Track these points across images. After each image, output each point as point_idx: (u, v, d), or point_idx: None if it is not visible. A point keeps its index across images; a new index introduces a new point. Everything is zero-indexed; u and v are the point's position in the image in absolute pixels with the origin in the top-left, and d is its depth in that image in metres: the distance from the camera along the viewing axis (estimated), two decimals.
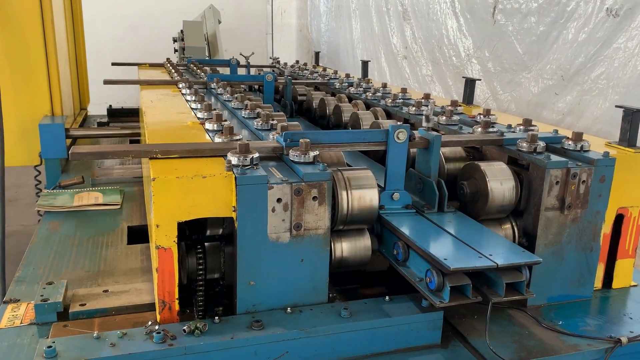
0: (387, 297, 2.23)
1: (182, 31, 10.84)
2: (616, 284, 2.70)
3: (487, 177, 2.42)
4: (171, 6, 13.33)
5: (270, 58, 7.11)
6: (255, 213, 2.02)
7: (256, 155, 2.13)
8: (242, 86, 6.10)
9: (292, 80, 4.84)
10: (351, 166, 3.10)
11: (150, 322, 2.00)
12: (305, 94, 4.86)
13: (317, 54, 7.53)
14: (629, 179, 2.54)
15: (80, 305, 2.31)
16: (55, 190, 3.96)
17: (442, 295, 2.00)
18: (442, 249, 2.10)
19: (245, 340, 1.93)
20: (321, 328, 2.02)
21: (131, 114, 6.40)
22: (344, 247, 2.30)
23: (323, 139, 2.36)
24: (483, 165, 2.47)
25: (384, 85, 4.54)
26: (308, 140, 2.22)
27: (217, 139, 2.44)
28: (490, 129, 2.83)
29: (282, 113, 3.61)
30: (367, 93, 4.19)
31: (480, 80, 4.77)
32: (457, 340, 2.22)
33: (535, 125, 2.95)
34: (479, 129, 2.84)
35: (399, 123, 2.36)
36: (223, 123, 2.73)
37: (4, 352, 2.01)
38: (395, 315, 2.12)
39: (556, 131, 2.79)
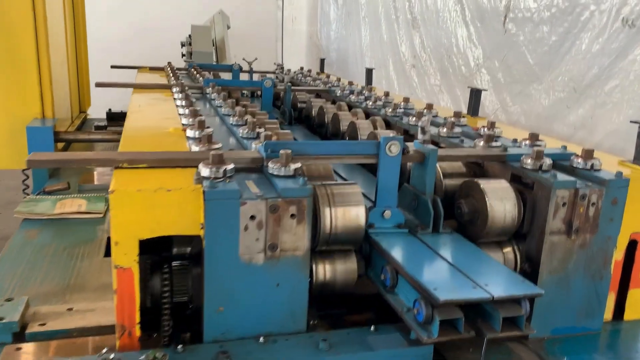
0: (372, 327, 2.02)
1: (190, 36, 10.75)
2: (628, 315, 2.46)
3: (486, 196, 2.21)
4: (182, 11, 13.26)
5: (275, 64, 6.95)
6: (225, 231, 1.83)
7: (230, 167, 1.94)
8: (245, 92, 5.96)
9: (292, 87, 4.65)
10: (346, 179, 2.92)
11: (105, 350, 1.80)
12: (305, 101, 4.67)
13: (322, 61, 7.36)
14: None
15: (39, 325, 2.13)
16: (38, 196, 3.80)
17: (431, 329, 1.79)
18: (433, 276, 1.89)
19: None
20: None
21: None
22: (327, 270, 2.10)
23: (308, 150, 2.16)
24: (482, 183, 2.26)
25: (387, 94, 4.34)
26: (289, 151, 2.02)
27: (194, 148, 2.25)
28: (493, 144, 2.62)
29: (275, 120, 3.42)
30: (368, 102, 4.00)
31: (486, 90, 4.58)
32: None
33: (542, 141, 2.73)
34: (481, 143, 2.63)
35: (393, 134, 2.17)
36: (205, 130, 2.55)
37: None
38: (380, 349, 1.91)
39: (564, 147, 2.58)
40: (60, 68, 5.19)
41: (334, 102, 4.59)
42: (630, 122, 2.64)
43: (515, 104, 5.98)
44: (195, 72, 5.63)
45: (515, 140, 2.83)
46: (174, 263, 1.98)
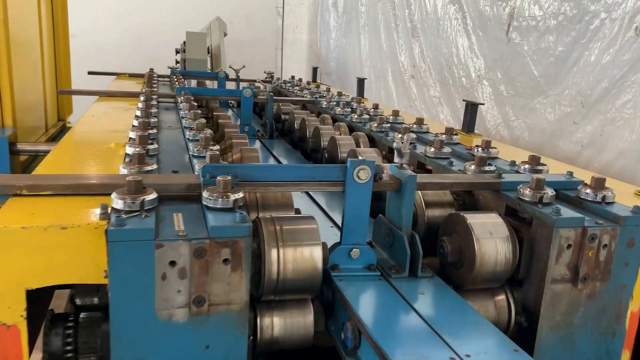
0: None
1: (184, 42, 10.42)
2: None
3: (473, 234, 1.81)
4: (180, 17, 12.94)
5: (265, 72, 6.59)
6: (136, 281, 1.44)
7: (151, 197, 1.56)
8: (232, 102, 5.58)
9: (275, 98, 4.28)
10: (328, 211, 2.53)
11: None
12: (288, 113, 4.29)
13: (314, 70, 7.00)
14: None
15: None
16: None
17: None
18: (400, 341, 1.50)
19: None
20: None
21: None
22: (276, 325, 1.71)
23: (257, 175, 1.78)
24: (469, 218, 1.86)
25: (376, 107, 3.96)
26: (229, 178, 1.63)
27: (123, 170, 1.87)
28: (486, 168, 2.23)
29: (243, 135, 3.04)
30: (353, 115, 3.61)
31: (483, 104, 4.18)
32: None
33: (545, 165, 2.34)
34: (472, 167, 2.24)
35: (375, 153, 1.77)
36: (147, 147, 2.17)
37: None
38: None
39: (570, 174, 2.18)
40: (29, 73, 4.84)
41: (319, 115, 4.21)
42: None
43: (519, 119, 5.57)
44: (175, 80, 5.27)
45: (513, 163, 2.44)
46: (82, 315, 1.59)
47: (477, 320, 1.63)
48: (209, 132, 2.58)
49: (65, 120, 6.51)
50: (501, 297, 1.91)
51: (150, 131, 2.53)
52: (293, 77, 6.17)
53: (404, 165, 1.97)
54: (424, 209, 2.13)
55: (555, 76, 4.97)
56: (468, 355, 1.42)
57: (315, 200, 2.68)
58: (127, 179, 1.55)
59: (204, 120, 2.86)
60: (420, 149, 2.70)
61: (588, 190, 1.97)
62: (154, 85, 4.57)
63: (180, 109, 3.52)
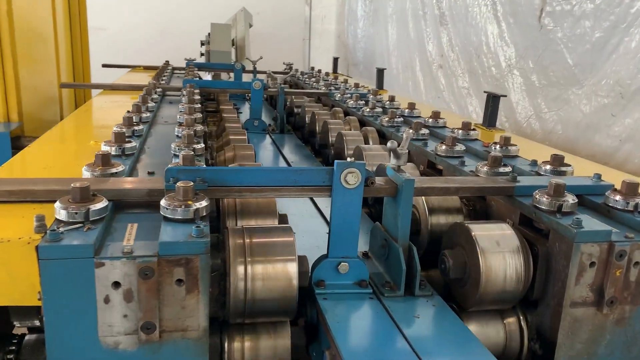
0: None
1: (209, 34, 10.30)
2: None
3: (478, 247, 1.56)
4: (208, 9, 12.83)
5: (284, 63, 6.37)
6: (73, 304, 1.25)
7: (99, 206, 1.36)
8: (249, 95, 5.38)
9: (286, 90, 4.06)
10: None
11: None
12: (300, 106, 4.08)
13: (335, 60, 6.76)
14: None
15: None
16: None
17: None
18: None
19: None
20: None
21: None
22: (247, 351, 1.50)
23: (229, 179, 1.56)
24: (474, 229, 1.61)
25: (392, 99, 3.70)
26: (190, 184, 1.43)
27: (85, 172, 1.68)
28: (501, 169, 1.96)
29: (242, 131, 2.84)
30: (365, 108, 3.36)
31: (505, 96, 3.85)
32: None
33: (569, 166, 2.05)
34: (485, 168, 1.97)
35: (352, 161, 1.52)
36: (124, 146, 1.99)
37: None
38: None
39: (598, 176, 1.89)
40: (41, 67, 4.75)
41: (333, 108, 3.98)
42: None
43: (551, 111, 5.21)
44: (189, 72, 5.11)
45: (534, 163, 2.16)
46: (26, 337, 1.41)
47: (478, 353, 1.38)
48: (198, 128, 2.39)
49: None
50: (512, 320, 1.66)
51: (136, 127, 2.35)
52: (312, 68, 5.95)
53: (402, 168, 1.73)
54: (427, 215, 1.89)
55: (591, 65, 4.60)
56: None
57: (316, 204, 2.45)
58: (72, 185, 1.36)
59: (199, 115, 2.67)
60: (430, 147, 2.45)
61: (618, 197, 1.69)
62: (164, 78, 4.41)
63: (180, 103, 3.35)
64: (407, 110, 3.31)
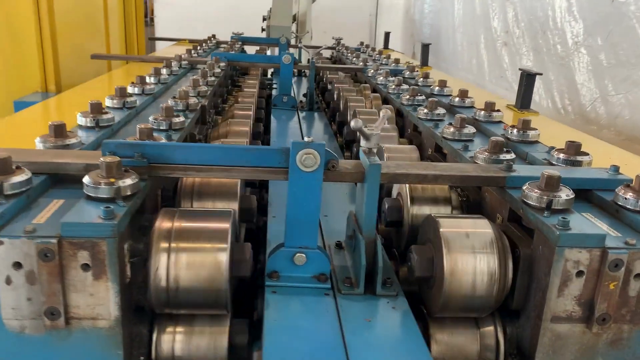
0: None
1: (270, 9, 10.21)
2: None
3: (443, 245, 1.35)
4: None
5: (333, 38, 6.15)
6: None
7: (15, 179, 1.28)
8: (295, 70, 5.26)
9: (318, 65, 3.88)
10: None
11: None
12: (331, 82, 3.89)
13: (387, 35, 6.47)
14: None
15: None
16: None
17: None
18: None
19: None
20: None
21: None
22: (178, 344, 1.38)
23: (172, 156, 1.43)
24: (444, 223, 1.40)
25: (426, 76, 3.44)
26: (116, 159, 1.31)
27: (38, 143, 1.61)
28: (503, 156, 1.71)
29: (249, 105, 2.71)
30: (391, 85, 3.13)
31: (541, 74, 3.44)
32: None
33: (587, 155, 1.76)
34: (483, 155, 1.73)
35: (310, 141, 1.34)
36: (98, 117, 1.91)
37: None
38: None
39: (616, 169, 1.61)
40: (84, 39, 4.82)
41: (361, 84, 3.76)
42: None
43: (619, 94, 4.71)
44: (231, 46, 5.03)
45: (551, 150, 1.89)
46: None
47: None
48: (192, 101, 2.28)
49: None
50: (489, 329, 1.44)
51: (129, 99, 2.27)
52: (362, 43, 5.71)
53: (373, 151, 1.53)
54: (409, 205, 1.68)
55: None
56: None
57: None
58: None
59: (203, 88, 2.56)
60: (439, 129, 2.20)
61: (629, 195, 1.42)
62: (204, 51, 4.36)
63: None
64: (437, 88, 3.05)
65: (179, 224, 1.32)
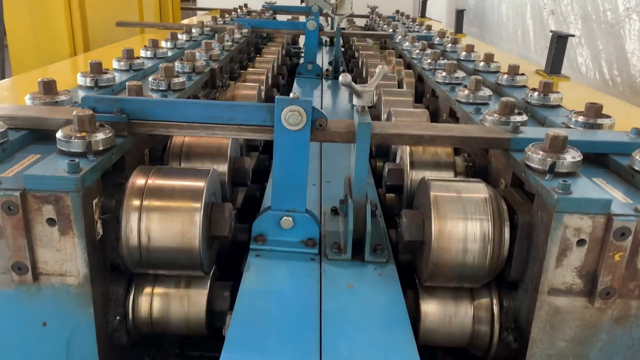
0: None
1: None
2: None
3: (432, 209, 1.25)
4: None
5: (368, 6, 5.96)
6: None
7: None
8: (326, 39, 5.16)
9: (344, 31, 3.76)
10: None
11: None
12: (358, 50, 3.77)
13: (424, 3, 6.21)
14: None
15: None
16: None
17: None
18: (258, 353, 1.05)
19: None
20: None
21: None
22: (156, 305, 1.34)
23: (152, 113, 1.38)
24: (435, 186, 1.29)
25: (454, 41, 3.27)
26: (89, 113, 1.26)
27: (28, 100, 1.59)
28: (514, 118, 1.58)
29: (261, 71, 2.63)
30: (415, 50, 2.99)
31: (573, 36, 3.17)
32: None
33: (609, 117, 1.61)
34: (492, 117, 1.60)
35: (297, 97, 1.26)
36: (97, 77, 1.88)
37: None
38: None
39: (637, 131, 1.46)
40: (114, 6, 4.83)
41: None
42: None
43: None
44: (261, 14, 4.95)
45: (571, 115, 1.74)
46: None
47: (397, 339, 1.10)
48: (198, 64, 2.22)
49: None
50: (484, 301, 1.34)
51: (136, 61, 2.24)
52: (397, 11, 5.51)
53: (365, 109, 1.43)
54: (408, 169, 1.58)
55: None
56: None
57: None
58: None
59: (215, 52, 2.50)
60: (453, 94, 2.07)
61: None
62: (225, 19, 4.30)
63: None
64: (463, 54, 2.89)
65: (153, 181, 1.27)
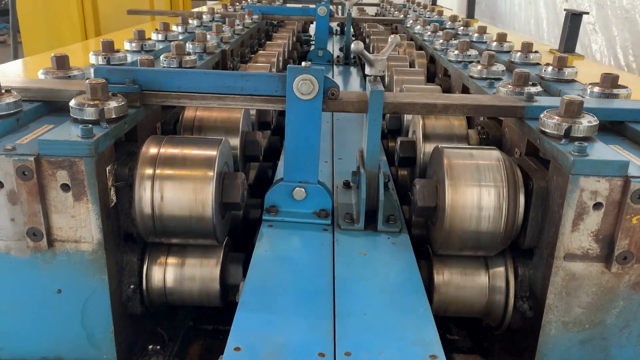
0: None
1: None
2: None
3: (446, 177, 1.24)
4: None
5: None
6: None
7: (5, 101, 1.26)
8: (336, 27, 5.14)
9: (355, 17, 3.74)
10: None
11: None
12: (369, 36, 3.75)
13: None
14: None
15: None
16: None
17: None
18: (268, 319, 1.04)
19: None
20: None
21: None
22: (169, 275, 1.34)
23: (164, 83, 1.38)
24: (449, 154, 1.28)
25: (466, 24, 3.25)
26: (101, 81, 1.27)
27: (41, 75, 1.60)
28: (528, 89, 1.56)
29: (271, 54, 2.63)
30: (426, 33, 2.97)
31: (587, 13, 3.12)
32: None
33: (625, 88, 1.59)
34: (506, 88, 1.59)
35: (308, 66, 1.26)
36: (109, 56, 1.88)
37: None
38: None
39: None
40: None
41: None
42: None
43: None
44: (268, 1, 4.95)
45: (587, 86, 1.72)
46: None
47: (412, 305, 1.10)
48: (210, 44, 2.22)
49: None
50: (498, 270, 1.33)
51: (147, 42, 2.24)
52: None
53: (378, 78, 1.42)
54: (421, 143, 1.57)
55: None
56: (348, 354, 0.93)
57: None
58: None
59: (226, 34, 2.50)
60: (466, 70, 2.05)
61: None
62: (235, 6, 4.30)
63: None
64: (476, 35, 2.86)
65: (166, 150, 1.27)
